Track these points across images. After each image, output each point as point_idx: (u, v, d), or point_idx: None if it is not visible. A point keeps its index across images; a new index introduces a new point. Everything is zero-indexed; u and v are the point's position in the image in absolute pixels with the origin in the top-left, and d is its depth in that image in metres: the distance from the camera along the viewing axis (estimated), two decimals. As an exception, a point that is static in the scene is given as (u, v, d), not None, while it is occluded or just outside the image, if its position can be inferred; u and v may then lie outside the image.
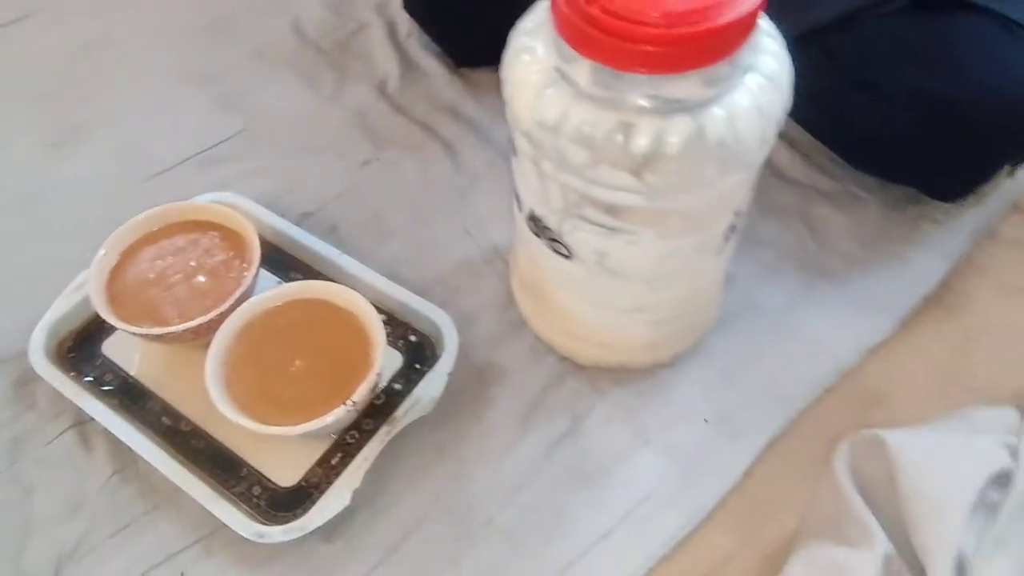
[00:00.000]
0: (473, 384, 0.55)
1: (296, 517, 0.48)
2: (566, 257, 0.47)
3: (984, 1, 0.53)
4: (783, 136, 0.68)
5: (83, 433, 0.54)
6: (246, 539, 0.47)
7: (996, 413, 0.50)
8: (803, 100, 0.58)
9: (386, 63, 0.76)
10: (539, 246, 0.48)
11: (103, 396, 0.54)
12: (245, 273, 0.54)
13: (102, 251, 0.55)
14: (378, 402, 0.53)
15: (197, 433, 0.53)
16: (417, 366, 0.55)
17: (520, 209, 0.48)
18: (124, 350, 0.56)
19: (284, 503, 0.50)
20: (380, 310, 0.53)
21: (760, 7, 0.36)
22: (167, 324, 0.52)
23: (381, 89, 0.74)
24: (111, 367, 0.56)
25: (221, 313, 0.51)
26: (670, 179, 0.39)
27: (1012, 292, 0.60)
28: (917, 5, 0.54)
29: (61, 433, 0.54)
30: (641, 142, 0.37)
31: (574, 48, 0.37)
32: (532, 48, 0.40)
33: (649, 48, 0.35)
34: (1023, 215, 0.64)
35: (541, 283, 0.53)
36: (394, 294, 0.57)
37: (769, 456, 0.52)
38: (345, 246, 0.60)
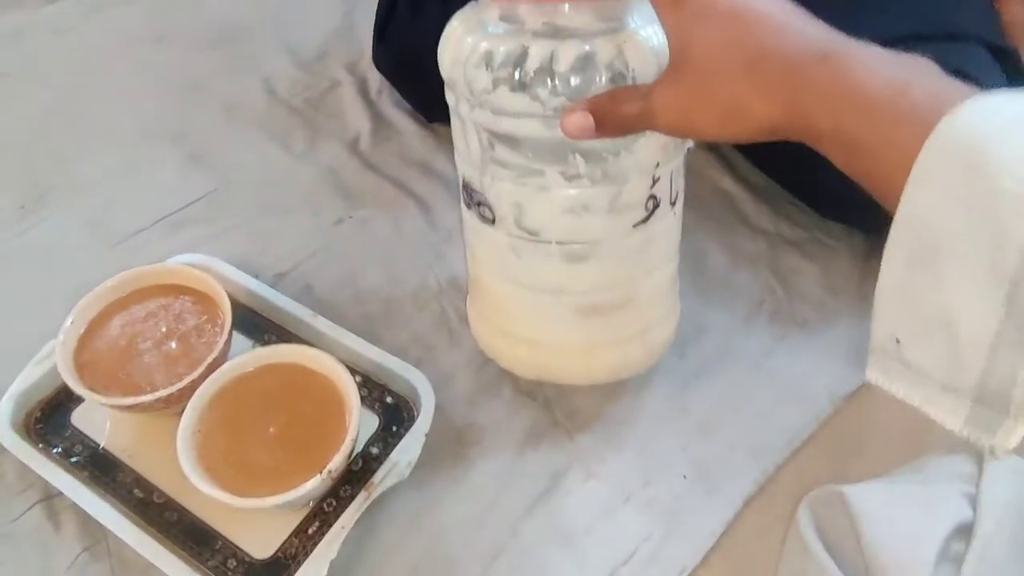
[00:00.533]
0: (451, 445, 0.55)
1: (273, 590, 0.47)
2: (491, 223, 0.49)
3: (935, 55, 0.55)
4: (748, 184, 0.69)
5: (51, 508, 0.52)
6: (221, 615, 0.46)
7: (952, 462, 0.50)
8: (767, 150, 0.60)
9: (357, 121, 0.77)
10: (472, 219, 0.51)
11: (72, 469, 0.52)
12: (218, 338, 0.53)
13: (70, 319, 0.54)
14: (355, 467, 0.52)
15: (170, 505, 0.51)
16: (394, 428, 0.55)
17: (460, 187, 0.51)
18: (94, 420, 0.55)
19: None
20: (356, 371, 0.53)
21: None
22: (138, 393, 0.51)
23: (353, 147, 0.75)
24: (81, 438, 0.54)
25: (193, 380, 0.50)
26: (561, 99, 0.41)
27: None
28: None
29: (28, 509, 0.52)
30: (534, 61, 0.41)
31: None
32: (461, 18, 0.46)
33: None
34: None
35: (476, 271, 0.54)
36: (370, 354, 0.57)
37: (748, 512, 0.52)
38: (320, 306, 0.60)
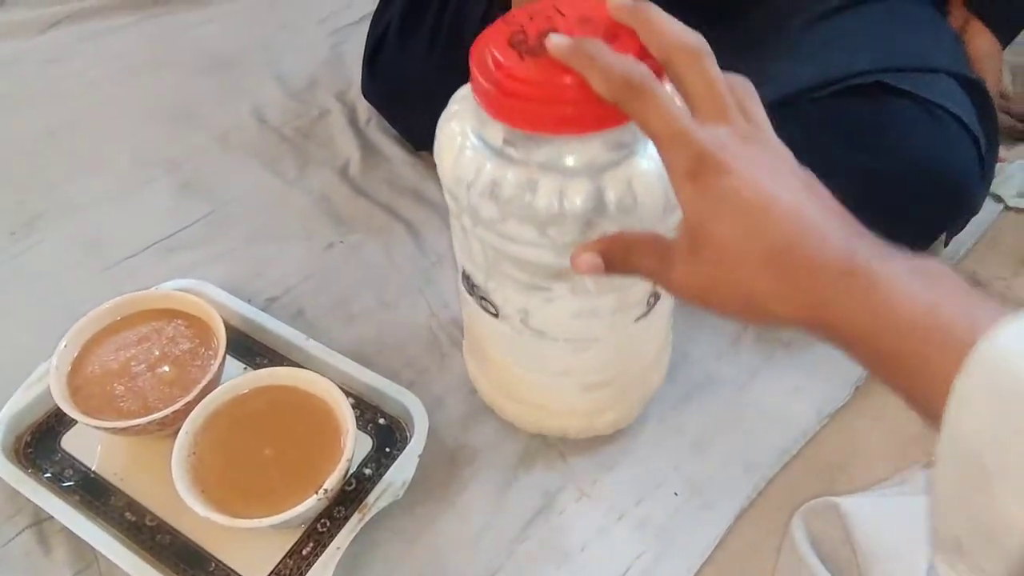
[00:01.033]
0: (444, 466, 0.55)
1: (266, 612, 0.47)
2: (494, 316, 0.49)
3: (908, 87, 0.57)
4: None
5: (41, 533, 0.52)
6: (214, 638, 0.46)
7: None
8: None
9: (347, 148, 0.78)
10: (473, 305, 0.50)
11: (63, 493, 0.52)
12: (211, 361, 0.53)
13: (64, 342, 0.54)
14: (349, 488, 0.53)
15: (163, 528, 0.51)
16: (387, 450, 0.55)
17: (457, 268, 0.51)
18: (85, 444, 0.55)
19: (254, 598, 0.48)
20: (348, 394, 0.53)
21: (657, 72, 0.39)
22: (131, 416, 0.51)
23: (343, 173, 0.76)
24: (71, 462, 0.54)
25: (187, 403, 0.51)
26: (572, 236, 0.41)
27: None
28: (848, 90, 0.58)
29: (18, 534, 0.52)
30: (544, 199, 0.40)
31: (487, 111, 0.40)
32: (459, 114, 0.43)
33: (552, 110, 0.38)
34: (962, 281, 0.67)
35: (480, 344, 0.54)
36: (362, 377, 0.57)
37: (740, 526, 0.52)
38: (312, 330, 0.60)
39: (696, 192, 0.33)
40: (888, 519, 0.46)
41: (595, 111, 0.37)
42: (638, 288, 0.46)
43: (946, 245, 0.65)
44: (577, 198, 0.40)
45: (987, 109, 0.60)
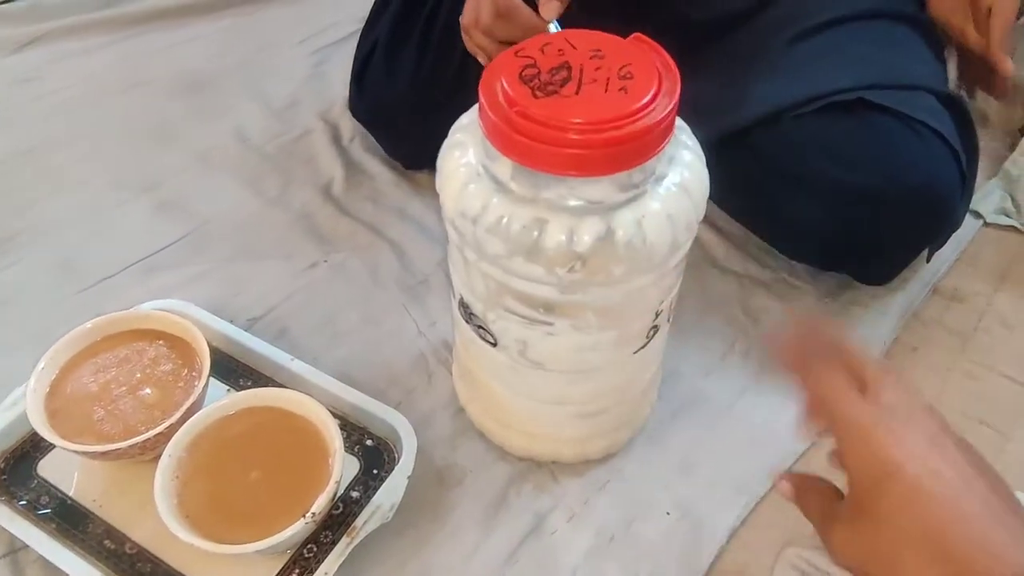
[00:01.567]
0: (433, 487, 0.54)
1: (252, 641, 0.46)
2: (492, 345, 0.48)
3: (890, 103, 0.58)
4: (718, 229, 0.71)
5: (15, 563, 0.50)
6: (198, 669, 0.44)
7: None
8: (734, 193, 0.61)
9: (331, 167, 0.77)
10: (469, 332, 0.49)
11: (38, 521, 0.50)
12: (195, 383, 0.52)
13: (41, 364, 0.52)
14: (336, 511, 0.51)
15: (143, 556, 0.50)
16: (375, 471, 0.54)
17: (453, 295, 0.50)
18: (62, 470, 0.53)
19: (239, 626, 0.47)
20: (335, 414, 0.52)
21: (663, 131, 0.38)
22: (111, 440, 0.49)
23: (326, 192, 0.75)
24: (47, 489, 0.53)
25: (170, 426, 0.49)
26: (579, 275, 0.40)
27: (941, 371, 0.63)
28: (831, 107, 0.59)
29: (-9, 564, 0.50)
30: (553, 238, 0.39)
31: (496, 148, 0.39)
32: (463, 143, 0.43)
33: (564, 152, 0.37)
34: (942, 298, 0.68)
35: (473, 369, 0.53)
36: (349, 398, 0.56)
37: (732, 546, 0.52)
38: (296, 350, 0.59)
39: (870, 463, 0.33)
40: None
41: (607, 153, 0.37)
42: (639, 323, 0.46)
43: (928, 260, 0.66)
44: (586, 237, 0.39)
45: (967, 125, 0.61)
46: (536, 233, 0.39)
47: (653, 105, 0.38)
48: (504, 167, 0.40)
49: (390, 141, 0.76)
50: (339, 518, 0.51)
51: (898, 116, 0.58)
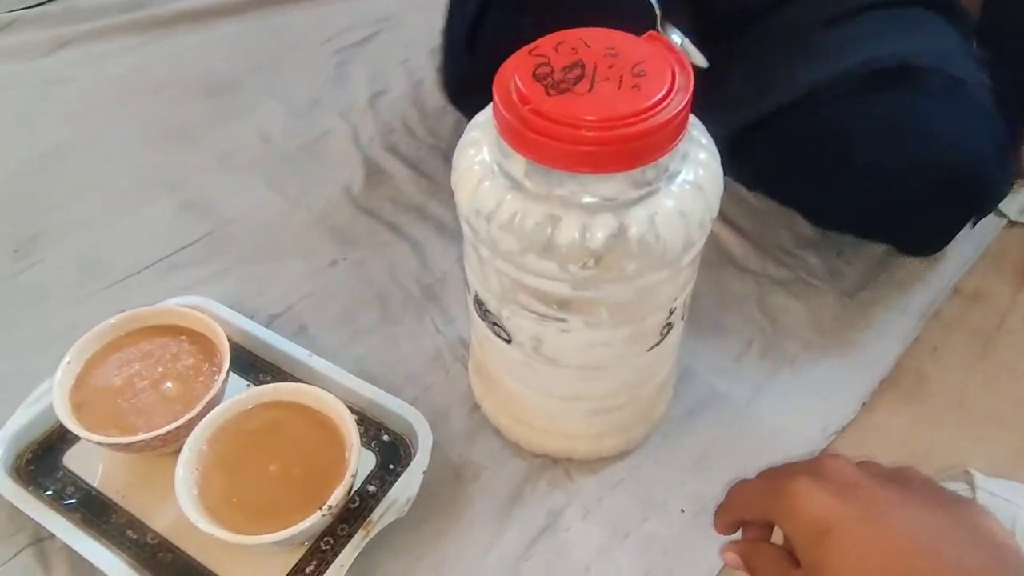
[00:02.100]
0: (449, 482, 0.55)
1: (269, 632, 0.46)
2: (506, 341, 0.48)
3: (932, 62, 0.57)
4: (735, 227, 0.71)
5: (41, 552, 0.51)
6: (216, 659, 0.45)
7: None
8: (771, 178, 0.61)
9: (351, 166, 0.78)
10: (484, 329, 0.50)
11: (64, 511, 0.52)
12: (215, 377, 0.53)
13: (67, 358, 0.54)
14: (353, 505, 0.52)
15: (164, 546, 0.51)
16: (391, 466, 0.55)
17: (468, 292, 0.50)
18: (87, 462, 0.55)
19: (257, 617, 0.48)
20: (352, 410, 0.53)
21: (676, 127, 0.38)
22: (134, 432, 0.50)
23: (347, 191, 0.76)
24: (73, 480, 0.54)
25: (191, 419, 0.50)
26: (592, 272, 0.41)
27: (962, 371, 0.62)
28: (869, 83, 0.58)
29: (17, 553, 0.51)
30: (566, 235, 0.40)
31: (510, 144, 0.39)
32: (477, 141, 0.43)
33: (577, 149, 0.38)
34: (963, 298, 0.67)
35: (488, 366, 0.54)
36: (366, 393, 0.57)
37: (747, 544, 0.52)
38: (314, 347, 0.60)
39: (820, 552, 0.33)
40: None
41: (619, 150, 0.37)
42: (653, 320, 0.46)
43: (973, 226, 0.66)
44: (600, 233, 0.39)
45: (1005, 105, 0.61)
46: (549, 230, 0.40)
47: (666, 102, 0.38)
48: (518, 164, 0.40)
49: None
50: (356, 512, 0.52)
51: (940, 79, 0.57)
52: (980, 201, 0.63)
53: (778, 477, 0.37)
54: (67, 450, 0.55)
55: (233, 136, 0.82)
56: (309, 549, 0.50)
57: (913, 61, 0.57)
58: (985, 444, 0.57)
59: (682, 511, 0.53)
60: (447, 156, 0.78)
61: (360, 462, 0.49)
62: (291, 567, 0.50)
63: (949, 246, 0.68)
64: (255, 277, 0.68)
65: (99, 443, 0.50)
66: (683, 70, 0.40)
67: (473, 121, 0.45)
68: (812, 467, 0.36)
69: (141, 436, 0.50)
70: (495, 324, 0.48)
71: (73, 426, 0.50)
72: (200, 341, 0.56)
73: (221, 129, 0.83)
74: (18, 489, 0.52)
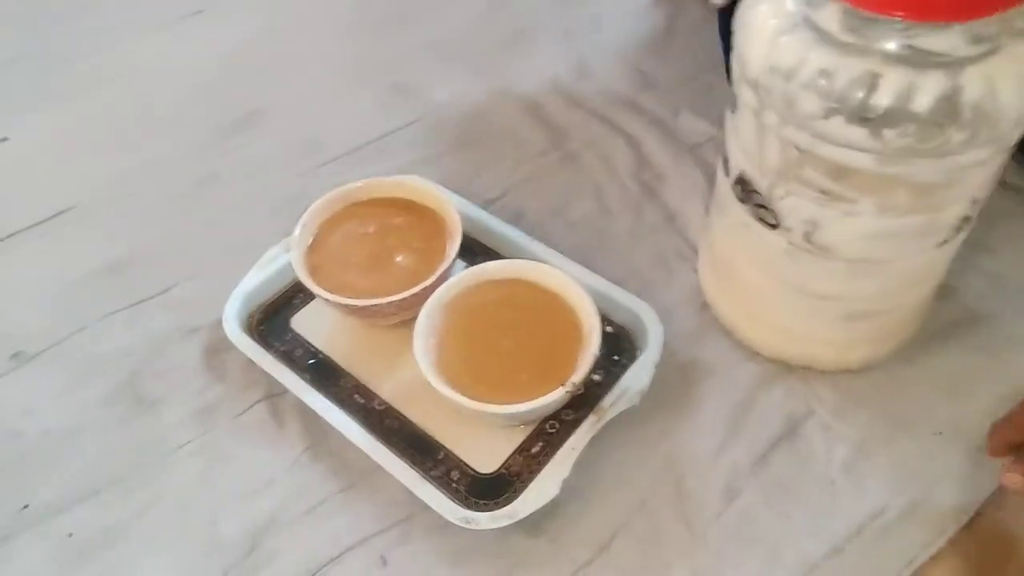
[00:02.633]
0: (677, 381, 0.52)
1: (498, 506, 0.46)
2: (771, 227, 0.44)
3: None
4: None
5: (274, 406, 0.52)
6: (445, 526, 0.45)
7: None
8: None
9: (559, 59, 0.75)
10: (743, 214, 0.46)
11: (296, 370, 0.52)
12: (447, 250, 0.52)
13: (303, 221, 0.54)
14: (578, 392, 0.50)
15: (391, 413, 0.51)
16: (615, 357, 0.52)
17: (727, 173, 0.46)
18: (314, 326, 0.55)
19: (484, 491, 0.47)
20: (577, 297, 0.51)
21: None
22: (367, 298, 0.50)
23: (555, 83, 0.73)
24: (301, 342, 0.54)
25: (425, 288, 0.49)
26: (909, 142, 0.35)
27: None
28: None
29: (252, 405, 0.53)
30: (886, 95, 0.35)
31: None
32: None
33: None
34: None
35: (734, 258, 0.50)
36: (591, 282, 0.54)
37: (1016, 477, 0.46)
38: (532, 233, 0.58)
39: None
40: None
41: None
42: (953, 210, 0.41)
43: None
44: (927, 97, 0.34)
45: None
46: (865, 89, 0.35)
47: None
48: (830, 14, 0.36)
49: None
50: (581, 399, 0.50)
51: None
52: None
53: None
54: (294, 314, 0.56)
55: (437, 24, 0.80)
56: (535, 430, 0.49)
57: None
58: None
59: (940, 434, 0.48)
60: (660, 51, 0.74)
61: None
62: (517, 446, 0.49)
63: None
64: (467, 163, 0.67)
65: (337, 303, 0.50)
66: None
67: None
68: None
69: (378, 300, 0.49)
70: (761, 207, 0.44)
71: (312, 286, 0.50)
72: (429, 215, 0.55)
73: (425, 16, 0.81)
74: (253, 345, 0.53)
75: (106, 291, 0.60)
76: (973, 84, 0.34)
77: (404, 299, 0.49)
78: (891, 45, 0.35)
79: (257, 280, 0.56)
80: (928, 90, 0.34)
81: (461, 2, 0.82)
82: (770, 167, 0.42)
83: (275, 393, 0.53)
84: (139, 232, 0.64)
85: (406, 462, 0.47)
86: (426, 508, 0.45)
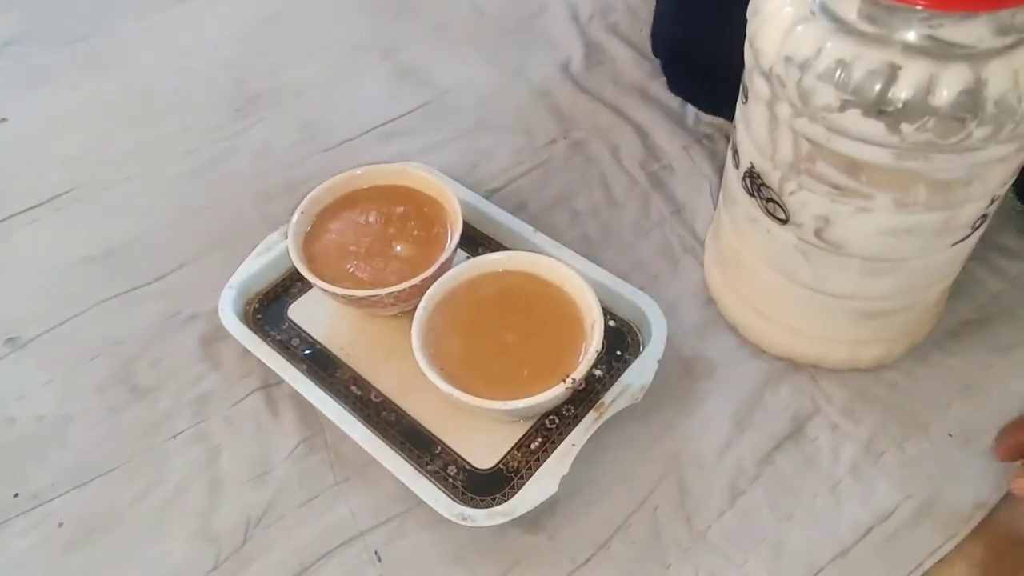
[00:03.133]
0: (680, 377, 0.51)
1: (495, 503, 0.45)
2: (782, 222, 0.43)
3: None
4: None
5: (269, 396, 0.51)
6: (442, 521, 0.44)
7: None
8: None
9: (569, 44, 0.73)
10: (752, 208, 0.44)
11: (292, 360, 0.51)
12: (447, 240, 0.51)
13: (300, 209, 0.52)
14: (579, 387, 0.49)
15: (388, 406, 0.50)
16: (618, 352, 0.51)
17: (736, 165, 0.45)
18: (310, 316, 0.54)
19: (482, 486, 0.46)
20: (581, 290, 0.49)
21: None
22: (365, 288, 0.49)
23: (565, 69, 0.71)
24: (298, 332, 0.53)
25: (425, 279, 0.48)
26: (929, 136, 0.34)
27: None
28: None
29: (248, 395, 0.52)
30: (905, 87, 0.33)
31: None
32: None
33: None
34: None
35: (742, 253, 0.48)
36: (594, 276, 0.53)
37: None
38: (536, 224, 0.56)
39: None
40: None
41: None
42: (972, 208, 0.39)
43: None
44: (948, 90, 0.33)
45: None
46: (883, 81, 0.34)
47: None
48: (850, 2, 0.34)
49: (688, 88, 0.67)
50: (582, 394, 0.49)
51: None
52: None
53: None
54: (292, 303, 0.55)
55: (447, 8, 0.78)
56: (534, 426, 0.48)
57: None
58: None
59: (950, 436, 0.47)
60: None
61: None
62: (515, 441, 0.47)
63: None
64: (471, 150, 0.65)
65: (335, 294, 0.49)
66: None
67: None
68: None
69: (377, 291, 0.48)
70: (771, 201, 0.42)
71: (310, 276, 0.49)
72: (430, 204, 0.54)
73: (436, 1, 0.79)
74: (249, 334, 0.52)
75: (102, 277, 0.59)
76: (998, 77, 0.33)
77: (402, 290, 0.48)
78: (912, 35, 0.33)
79: (254, 268, 0.55)
80: (950, 83, 0.33)
81: (468, -14, 0.80)
82: (782, 160, 0.40)
83: (271, 383, 0.52)
84: (137, 217, 0.63)
85: (402, 456, 0.46)
86: (422, 503, 0.44)
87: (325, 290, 0.49)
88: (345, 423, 0.47)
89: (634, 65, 0.70)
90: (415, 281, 0.48)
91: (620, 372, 0.49)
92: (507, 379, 0.45)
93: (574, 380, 0.44)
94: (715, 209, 0.54)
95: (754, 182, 0.43)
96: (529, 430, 0.48)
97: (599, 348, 0.45)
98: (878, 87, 0.34)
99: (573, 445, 0.45)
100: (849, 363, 0.50)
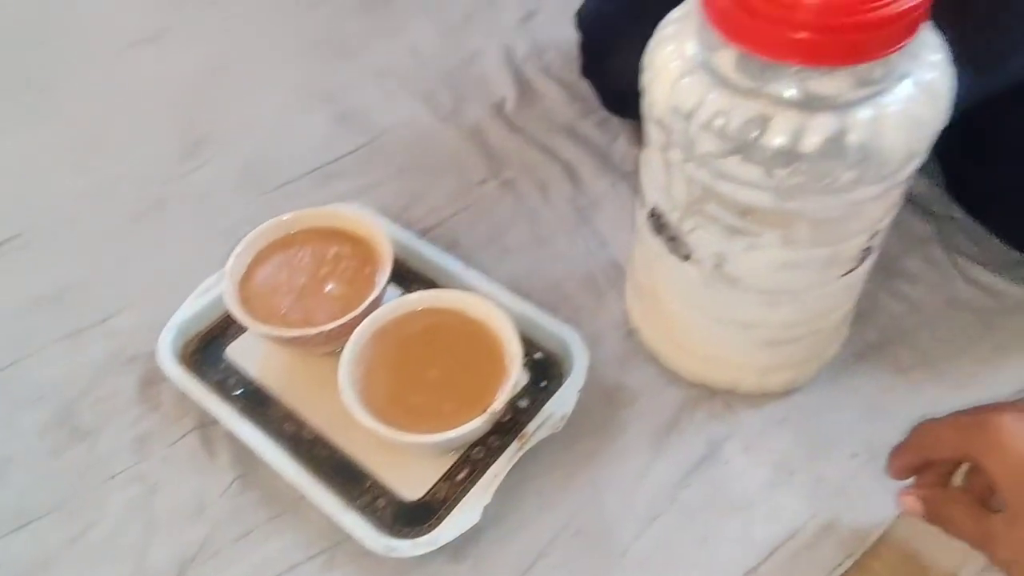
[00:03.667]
0: (601, 405, 0.53)
1: (422, 533, 0.46)
2: (684, 259, 0.45)
3: None
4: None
5: (206, 436, 0.53)
6: (370, 553, 0.46)
7: None
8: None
9: (503, 85, 0.76)
10: (657, 246, 0.47)
11: (227, 399, 0.53)
12: (377, 279, 0.53)
13: (236, 251, 0.54)
14: (505, 419, 0.51)
15: (320, 442, 0.51)
16: (543, 384, 0.53)
17: (642, 205, 0.48)
18: (247, 355, 0.56)
19: (409, 517, 0.48)
20: (507, 324, 0.52)
21: (916, 19, 0.34)
22: (297, 328, 0.51)
23: (498, 109, 0.74)
24: (234, 371, 0.55)
25: (354, 318, 0.50)
26: (802, 180, 0.37)
27: None
28: None
29: (185, 435, 0.53)
30: (777, 136, 0.36)
31: (722, 33, 0.36)
32: (676, 36, 0.40)
33: (802, 36, 0.34)
34: None
35: (655, 288, 0.51)
36: (520, 310, 0.55)
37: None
38: (467, 262, 0.59)
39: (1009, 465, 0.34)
40: None
41: (848, 39, 0.34)
42: (855, 242, 0.42)
43: None
44: (815, 136, 0.36)
45: None
46: (757, 130, 0.37)
47: None
48: (726, 57, 0.37)
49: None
50: (507, 425, 0.51)
51: None
52: None
53: (981, 412, 0.36)
54: (229, 343, 0.57)
55: (385, 52, 0.81)
56: (461, 457, 0.50)
57: None
58: None
59: (855, 456, 0.50)
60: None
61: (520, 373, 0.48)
62: (443, 473, 0.49)
63: None
64: (407, 191, 0.68)
65: (266, 335, 0.51)
66: None
67: (669, 16, 0.42)
68: (1019, 405, 0.36)
69: (308, 330, 0.50)
70: (673, 239, 0.45)
71: (242, 317, 0.51)
72: (362, 244, 0.56)
73: (374, 44, 0.82)
74: (186, 376, 0.53)
75: (47, 319, 0.60)
76: (860, 126, 0.36)
77: (332, 329, 0.50)
78: (782, 88, 0.36)
79: (192, 310, 0.57)
80: (816, 131, 0.36)
81: (409, 28, 0.83)
82: (678, 202, 0.43)
83: (207, 423, 0.53)
84: (83, 260, 0.64)
85: (332, 491, 0.48)
86: (351, 536, 0.46)
87: (259, 332, 0.51)
88: (277, 460, 0.49)
89: (565, 104, 0.74)
90: (344, 320, 0.50)
91: (544, 403, 0.51)
92: (430, 414, 0.47)
93: (492, 412, 0.46)
94: (633, 244, 0.56)
95: (657, 221, 0.46)
96: (456, 461, 0.50)
97: (516, 380, 0.47)
98: (753, 135, 0.37)
99: (496, 475, 0.47)
100: (760, 388, 0.52)
